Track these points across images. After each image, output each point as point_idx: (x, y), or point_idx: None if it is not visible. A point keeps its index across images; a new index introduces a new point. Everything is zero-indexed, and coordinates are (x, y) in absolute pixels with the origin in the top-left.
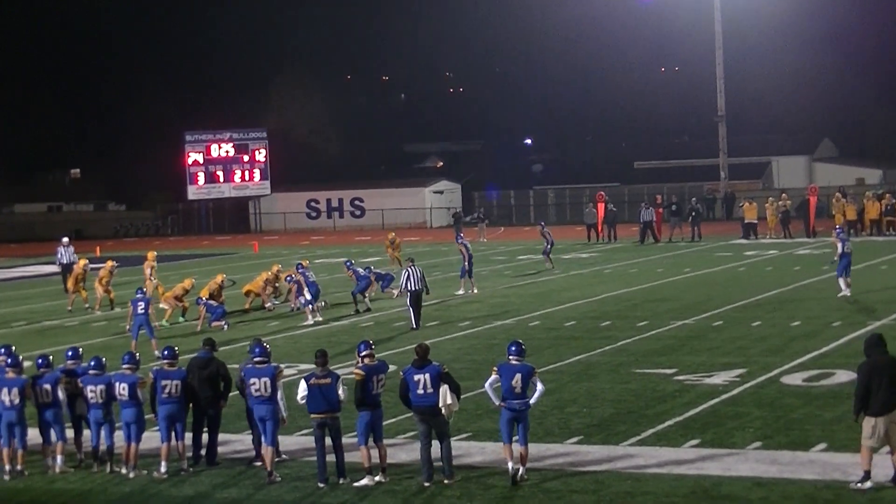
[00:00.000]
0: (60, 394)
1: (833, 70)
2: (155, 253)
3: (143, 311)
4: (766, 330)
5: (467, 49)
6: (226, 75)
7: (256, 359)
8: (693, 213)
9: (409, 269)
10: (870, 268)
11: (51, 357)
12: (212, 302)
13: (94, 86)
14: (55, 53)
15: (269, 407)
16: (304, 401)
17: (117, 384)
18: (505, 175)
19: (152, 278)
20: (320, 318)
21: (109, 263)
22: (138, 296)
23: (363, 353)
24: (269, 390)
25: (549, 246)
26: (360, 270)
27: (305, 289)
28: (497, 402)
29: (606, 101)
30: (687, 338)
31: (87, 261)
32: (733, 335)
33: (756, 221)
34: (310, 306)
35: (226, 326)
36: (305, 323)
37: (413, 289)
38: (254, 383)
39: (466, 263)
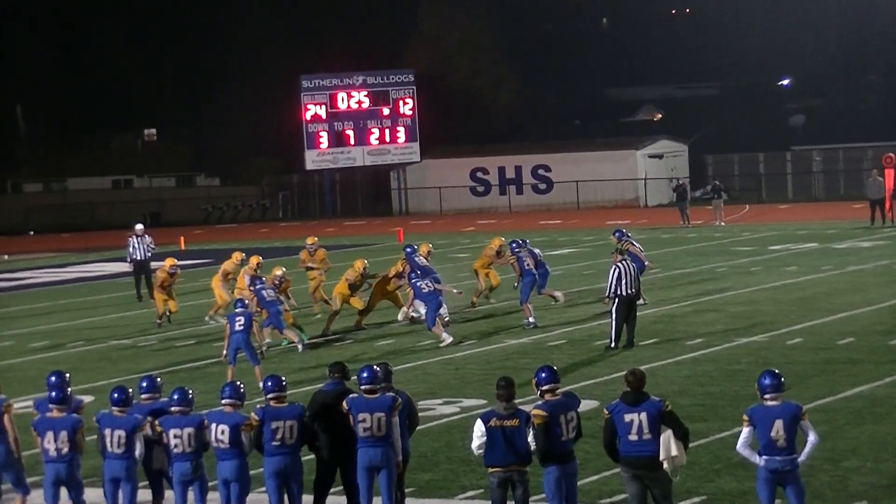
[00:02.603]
0: (138, 445)
1: None
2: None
3: (241, 327)
4: None
5: None
6: None
7: (365, 386)
8: None
9: (620, 265)
10: None
11: (130, 391)
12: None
13: (175, 17)
14: None
15: (384, 450)
16: (480, 450)
17: (214, 426)
18: (752, 131)
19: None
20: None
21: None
22: (238, 308)
23: (544, 386)
24: (385, 429)
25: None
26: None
27: (412, 301)
28: (758, 461)
29: (889, 25)
30: None
31: (175, 261)
32: None
33: None
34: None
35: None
36: (443, 343)
37: (626, 293)
38: (364, 419)
39: (646, 261)
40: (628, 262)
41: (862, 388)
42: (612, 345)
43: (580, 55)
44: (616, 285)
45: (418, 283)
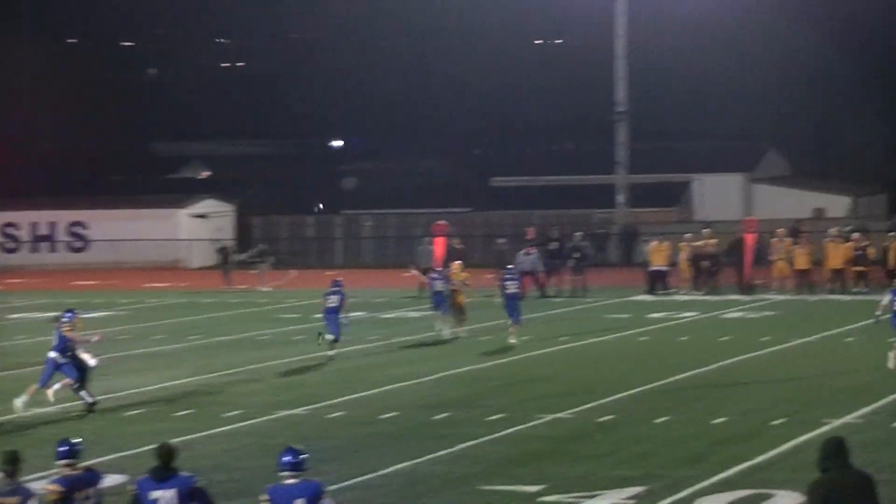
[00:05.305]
0: None
1: (784, 50)
2: None
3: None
4: (677, 429)
5: (249, 5)
6: None
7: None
8: (576, 255)
9: None
10: (831, 340)
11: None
12: None
13: None
14: None
15: None
16: None
17: None
18: (302, 193)
19: None
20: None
21: None
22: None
23: (61, 459)
24: None
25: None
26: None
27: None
28: None
29: (452, 86)
30: (562, 439)
31: None
32: (630, 436)
33: (667, 269)
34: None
35: None
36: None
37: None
38: None
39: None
40: None
41: (404, 465)
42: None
43: (125, 106)
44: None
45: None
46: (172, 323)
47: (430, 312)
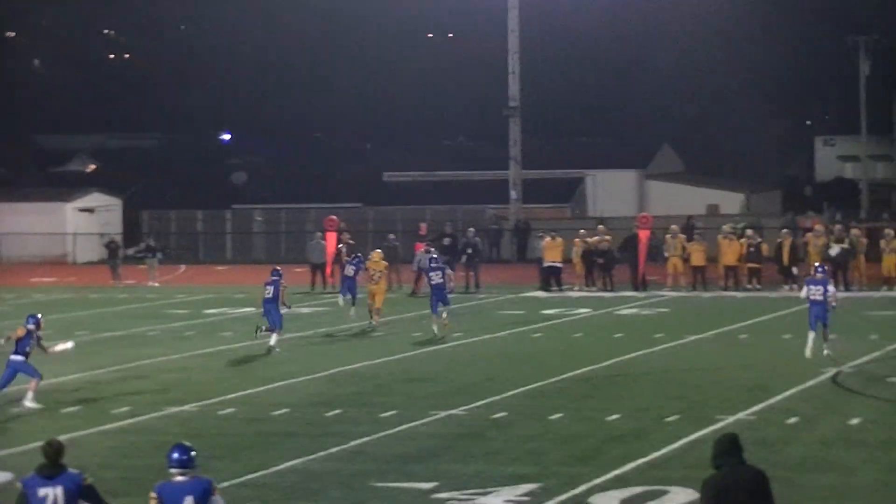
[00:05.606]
0: None
1: (678, 48)
2: None
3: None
4: (571, 426)
5: None
6: None
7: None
8: (469, 251)
9: None
10: (725, 336)
11: None
12: None
13: None
14: None
15: None
16: None
17: None
18: (191, 187)
19: None
20: None
21: None
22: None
23: None
24: None
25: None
26: None
27: None
28: None
29: (343, 80)
30: (455, 436)
31: None
32: (523, 433)
33: (560, 265)
34: None
35: None
36: None
37: None
38: None
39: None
40: None
41: (295, 462)
42: None
43: (8, 97)
44: None
45: None
46: (59, 319)
47: (321, 308)
